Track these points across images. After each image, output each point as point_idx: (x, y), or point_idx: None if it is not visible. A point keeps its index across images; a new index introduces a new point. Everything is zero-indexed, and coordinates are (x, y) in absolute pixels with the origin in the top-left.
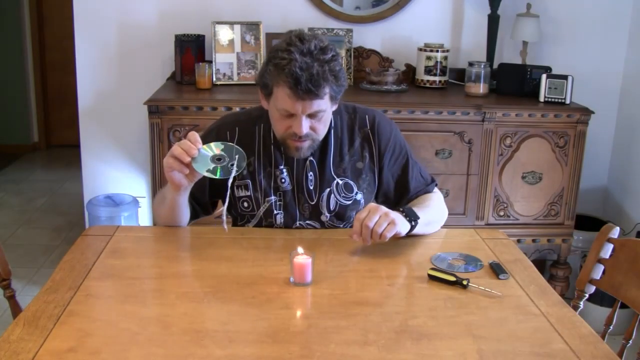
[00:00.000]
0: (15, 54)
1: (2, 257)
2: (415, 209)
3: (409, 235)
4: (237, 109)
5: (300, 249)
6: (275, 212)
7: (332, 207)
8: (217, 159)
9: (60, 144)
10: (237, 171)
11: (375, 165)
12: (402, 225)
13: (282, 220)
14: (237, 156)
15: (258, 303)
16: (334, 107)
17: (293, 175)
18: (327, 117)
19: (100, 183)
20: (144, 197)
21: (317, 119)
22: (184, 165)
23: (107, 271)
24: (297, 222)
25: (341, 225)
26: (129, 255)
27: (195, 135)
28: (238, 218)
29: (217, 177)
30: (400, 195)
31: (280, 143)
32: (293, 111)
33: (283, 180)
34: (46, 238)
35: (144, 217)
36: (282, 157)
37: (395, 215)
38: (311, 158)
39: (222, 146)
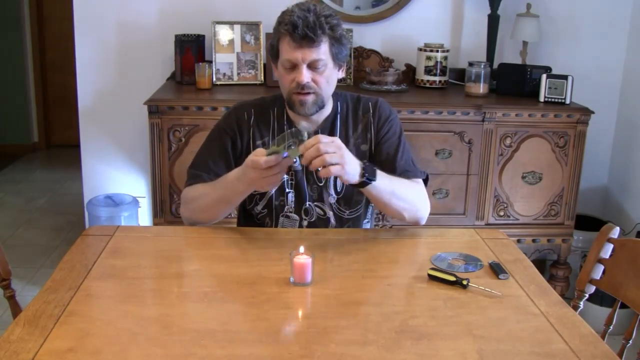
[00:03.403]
0: (15, 54)
1: (2, 257)
2: (383, 174)
3: (365, 188)
4: None
5: (300, 249)
6: (287, 190)
7: (338, 188)
8: (289, 147)
9: (60, 144)
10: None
11: (373, 143)
12: (349, 175)
13: (293, 199)
14: (291, 137)
15: (258, 303)
16: (340, 71)
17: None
18: (329, 73)
19: (100, 183)
20: (144, 197)
21: (318, 71)
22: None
23: (107, 271)
24: (307, 203)
25: (347, 212)
26: (129, 255)
27: (268, 162)
28: (247, 201)
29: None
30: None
31: (287, 102)
32: (294, 60)
33: (294, 160)
34: (46, 238)
35: (144, 217)
36: None
37: (350, 163)
38: None
39: (276, 143)
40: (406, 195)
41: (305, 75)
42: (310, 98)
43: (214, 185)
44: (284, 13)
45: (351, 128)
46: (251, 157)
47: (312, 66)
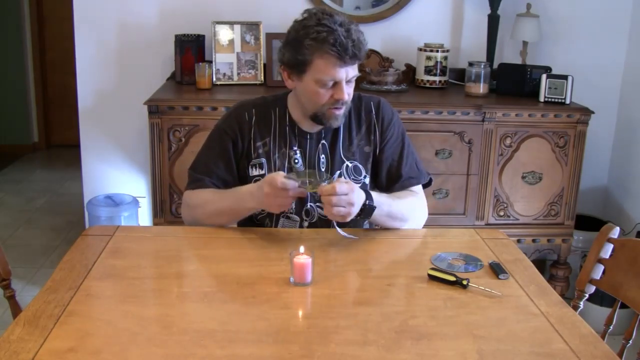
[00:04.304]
0: (15, 54)
1: (2, 257)
2: (382, 198)
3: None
4: None
5: (300, 249)
6: None
7: None
8: (309, 182)
9: (60, 144)
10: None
11: (377, 147)
12: (350, 219)
13: (294, 200)
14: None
15: (258, 303)
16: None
17: (306, 157)
18: (354, 83)
19: (100, 183)
20: (144, 197)
21: (350, 84)
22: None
23: (107, 271)
24: (308, 204)
25: None
26: (129, 255)
27: (284, 184)
28: None
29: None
30: (392, 180)
31: (316, 116)
32: (338, 78)
33: (296, 161)
34: (46, 238)
35: (144, 217)
36: (295, 139)
37: (355, 209)
38: (323, 141)
39: (300, 173)
40: (403, 214)
41: (346, 92)
42: (343, 110)
43: (223, 195)
44: (318, 30)
45: (354, 129)
46: (271, 174)
47: (348, 82)
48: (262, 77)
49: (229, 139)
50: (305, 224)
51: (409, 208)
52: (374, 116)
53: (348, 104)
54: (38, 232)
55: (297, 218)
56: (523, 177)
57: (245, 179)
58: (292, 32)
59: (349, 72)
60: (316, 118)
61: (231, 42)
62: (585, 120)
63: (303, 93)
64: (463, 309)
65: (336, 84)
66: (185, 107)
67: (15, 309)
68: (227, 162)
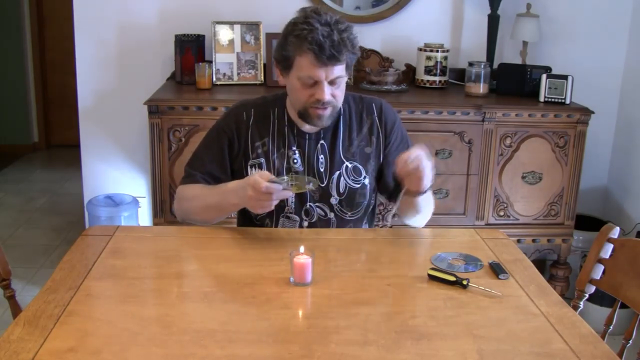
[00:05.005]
0: (15, 54)
1: (2, 257)
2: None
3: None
4: None
5: (300, 249)
6: None
7: (341, 190)
8: (290, 184)
9: (60, 144)
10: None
11: (381, 151)
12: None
13: (294, 200)
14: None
15: (258, 303)
16: (347, 76)
17: (304, 157)
18: (343, 85)
19: (100, 183)
20: (144, 197)
21: (336, 85)
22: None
23: (107, 271)
24: (307, 204)
25: (348, 214)
26: (129, 255)
27: (269, 188)
28: None
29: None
30: (399, 181)
31: (301, 114)
32: (316, 78)
33: (295, 161)
34: (46, 238)
35: (144, 217)
36: (294, 139)
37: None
38: (322, 141)
39: (286, 178)
40: (424, 206)
41: (327, 93)
42: (327, 112)
43: (211, 190)
44: (302, 27)
45: (355, 130)
46: (255, 177)
47: (332, 82)
48: (262, 77)
49: (226, 137)
50: (305, 224)
51: (427, 202)
52: (377, 118)
53: (335, 105)
54: (38, 232)
55: (297, 218)
56: (523, 177)
57: (241, 178)
58: (284, 29)
59: (330, 73)
60: (302, 116)
61: (231, 42)
62: (585, 120)
63: (289, 90)
64: (463, 309)
65: (317, 84)
66: (185, 107)
67: (15, 309)
68: (221, 161)
